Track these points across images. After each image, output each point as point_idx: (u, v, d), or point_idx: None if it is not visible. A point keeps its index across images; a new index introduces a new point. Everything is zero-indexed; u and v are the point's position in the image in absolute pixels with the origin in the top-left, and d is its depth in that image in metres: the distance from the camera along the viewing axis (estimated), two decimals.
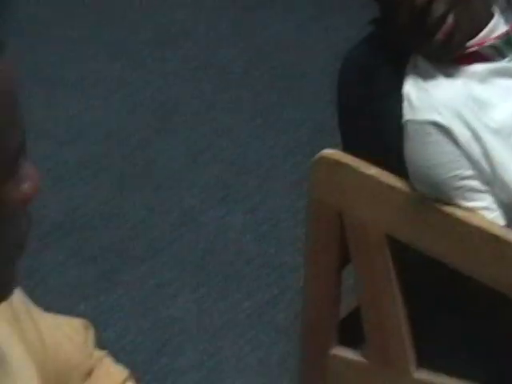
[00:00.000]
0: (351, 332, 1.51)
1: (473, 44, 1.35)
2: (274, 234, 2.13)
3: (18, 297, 0.85)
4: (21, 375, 0.77)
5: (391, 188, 1.37)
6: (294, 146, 2.41)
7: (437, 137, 1.30)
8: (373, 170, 1.38)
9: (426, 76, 1.34)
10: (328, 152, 1.43)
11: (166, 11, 3.07)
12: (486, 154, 1.30)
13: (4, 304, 0.79)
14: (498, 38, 1.35)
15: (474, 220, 1.30)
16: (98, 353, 0.95)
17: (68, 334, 0.92)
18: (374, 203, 1.39)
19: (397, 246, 1.40)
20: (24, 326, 0.83)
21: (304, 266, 1.50)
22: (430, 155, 1.31)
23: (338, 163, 1.41)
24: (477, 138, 1.30)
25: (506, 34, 1.36)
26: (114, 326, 1.86)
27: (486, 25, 1.36)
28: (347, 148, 1.44)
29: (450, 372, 1.42)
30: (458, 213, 1.31)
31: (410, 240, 1.37)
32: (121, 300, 1.94)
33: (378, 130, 1.39)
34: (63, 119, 2.52)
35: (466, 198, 1.31)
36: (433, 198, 1.33)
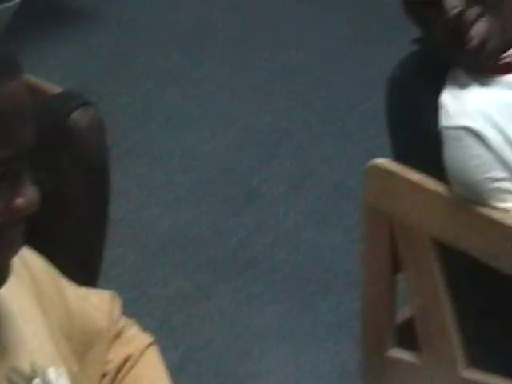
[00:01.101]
0: (412, 335, 1.58)
1: (507, 55, 1.41)
2: None
3: (43, 269, 1.00)
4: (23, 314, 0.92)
5: (434, 193, 1.45)
6: None
7: (469, 141, 1.37)
8: (417, 177, 1.47)
9: (462, 86, 1.42)
10: (378, 161, 1.53)
11: (283, 52, 3.27)
12: None
13: (27, 274, 0.95)
14: None
15: (508, 220, 1.36)
16: (126, 320, 1.09)
17: (94, 303, 1.06)
18: (419, 207, 1.47)
19: (445, 249, 1.48)
20: (43, 290, 0.97)
21: (362, 270, 1.60)
22: (464, 158, 1.38)
23: (387, 171, 1.51)
24: (509, 142, 1.36)
25: None
26: (202, 334, 2.01)
27: None
28: (397, 157, 1.54)
29: (500, 371, 1.46)
30: (494, 213, 1.37)
31: (453, 242, 1.44)
32: (211, 311, 2.09)
33: (423, 138, 1.48)
34: (178, 151, 2.74)
35: (500, 200, 1.37)
36: (471, 201, 1.40)
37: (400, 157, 1.54)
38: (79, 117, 1.33)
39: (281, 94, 3.01)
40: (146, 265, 2.27)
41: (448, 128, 1.40)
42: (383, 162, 1.52)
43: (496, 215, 1.37)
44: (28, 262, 0.98)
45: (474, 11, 1.37)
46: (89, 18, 3.48)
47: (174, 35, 3.38)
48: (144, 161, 2.70)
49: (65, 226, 1.36)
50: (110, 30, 3.41)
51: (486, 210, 1.38)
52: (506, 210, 1.37)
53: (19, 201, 0.79)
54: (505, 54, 1.41)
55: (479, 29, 1.38)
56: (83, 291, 1.08)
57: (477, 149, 1.37)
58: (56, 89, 1.41)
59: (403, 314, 1.61)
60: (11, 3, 1.16)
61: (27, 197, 0.80)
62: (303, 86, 3.05)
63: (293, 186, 2.55)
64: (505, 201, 1.37)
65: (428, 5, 1.40)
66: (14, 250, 0.85)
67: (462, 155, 1.39)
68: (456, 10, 1.36)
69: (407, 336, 1.58)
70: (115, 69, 3.18)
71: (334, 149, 2.70)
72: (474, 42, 1.38)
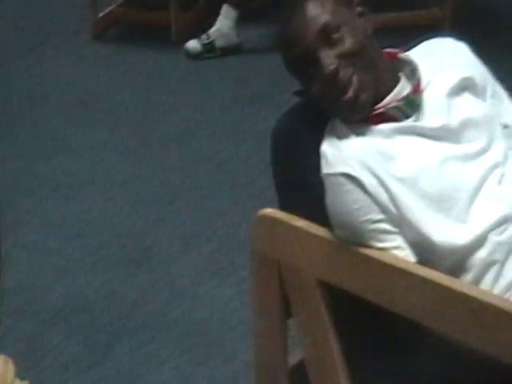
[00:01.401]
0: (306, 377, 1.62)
1: (379, 106, 1.51)
2: None
3: None
4: None
5: (318, 237, 1.51)
6: None
7: (349, 186, 1.45)
8: (302, 223, 1.53)
9: (339, 135, 1.51)
10: (265, 210, 1.58)
11: (174, 112, 3.33)
12: (393, 199, 1.44)
13: None
14: (401, 100, 1.51)
15: (386, 258, 1.42)
16: (19, 382, 1.10)
17: None
18: (305, 251, 1.53)
19: (332, 291, 1.53)
20: None
21: (253, 317, 1.63)
22: (345, 203, 1.45)
23: (273, 219, 1.56)
24: (383, 185, 1.44)
25: (407, 96, 1.51)
26: None
27: (392, 89, 1.52)
28: (283, 204, 1.60)
29: None
30: (373, 253, 1.44)
31: (337, 282, 1.50)
32: (109, 372, 2.08)
33: (307, 185, 1.55)
34: (70, 216, 2.73)
35: (379, 240, 1.44)
36: (352, 243, 1.46)
37: (286, 205, 1.59)
38: None
39: (173, 152, 3.07)
40: (39, 333, 2.23)
41: (328, 175, 1.47)
42: (270, 211, 1.58)
43: (374, 254, 1.43)
44: None
45: (348, 67, 1.47)
46: None
47: (59, 103, 3.42)
48: (34, 228, 2.68)
49: None
50: None
51: (365, 251, 1.45)
52: (383, 249, 1.44)
53: None
54: (377, 106, 1.51)
55: (353, 83, 1.47)
56: None
57: (355, 193, 1.44)
58: None
59: (295, 356, 1.66)
60: None
61: None
62: (194, 144, 3.11)
63: (187, 243, 2.58)
64: (383, 241, 1.44)
65: (306, 63, 1.49)
66: None
67: (342, 199, 1.45)
68: (331, 67, 1.47)
69: (301, 378, 1.62)
70: (0, 137, 3.17)
71: (226, 203, 2.76)
72: (349, 95, 1.48)
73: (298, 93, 1.60)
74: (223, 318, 2.26)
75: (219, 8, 3.80)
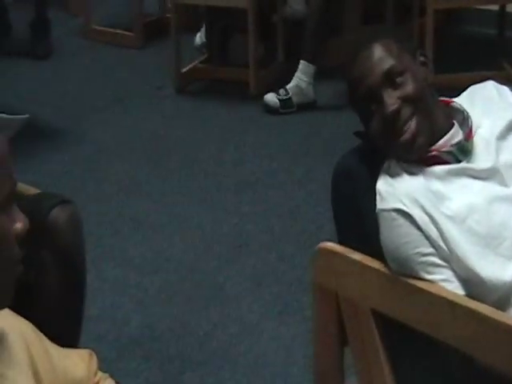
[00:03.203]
0: None
1: (434, 149, 1.65)
2: None
3: (30, 330, 1.17)
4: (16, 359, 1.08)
5: (372, 269, 1.64)
6: None
7: (401, 221, 1.58)
8: (358, 256, 1.67)
9: (394, 174, 1.65)
10: (324, 244, 1.73)
11: (249, 162, 3.53)
12: (443, 236, 1.56)
13: (17, 330, 1.11)
14: (454, 145, 1.65)
15: (434, 290, 1.55)
16: (103, 374, 1.26)
17: (75, 360, 1.23)
18: (360, 282, 1.66)
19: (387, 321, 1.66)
20: (32, 347, 1.14)
21: (312, 344, 1.77)
22: (397, 236, 1.59)
23: (331, 252, 1.71)
24: (434, 222, 1.57)
25: (459, 142, 1.65)
26: None
27: (446, 133, 1.67)
28: (341, 239, 1.74)
29: None
30: (423, 285, 1.56)
31: (391, 312, 1.62)
32: None
33: (363, 221, 1.69)
34: (150, 254, 2.93)
35: (428, 272, 1.57)
36: (404, 275, 1.59)
37: (344, 239, 1.74)
38: (58, 213, 1.48)
39: (246, 198, 3.25)
40: (117, 357, 2.41)
41: (382, 210, 1.61)
42: (328, 244, 1.72)
43: (423, 285, 1.56)
44: (18, 324, 1.16)
45: (408, 110, 1.62)
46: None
47: (143, 151, 3.66)
48: (117, 263, 2.88)
49: (44, 315, 1.50)
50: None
51: (415, 282, 1.57)
52: (432, 282, 1.57)
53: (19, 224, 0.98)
54: (431, 148, 1.65)
55: (411, 126, 1.62)
56: (65, 350, 1.25)
57: (406, 227, 1.58)
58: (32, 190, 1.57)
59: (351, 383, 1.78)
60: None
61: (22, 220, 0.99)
62: (267, 191, 3.29)
63: (256, 282, 2.74)
64: (432, 273, 1.57)
65: (370, 100, 1.64)
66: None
67: (394, 233, 1.59)
68: (393, 107, 1.61)
69: None
70: (90, 181, 3.41)
71: (295, 247, 2.91)
72: (406, 137, 1.62)
73: (357, 133, 1.75)
74: (288, 353, 2.40)
75: (297, 64, 4.00)
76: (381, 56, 1.65)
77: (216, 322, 2.56)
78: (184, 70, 4.25)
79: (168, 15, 4.26)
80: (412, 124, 1.63)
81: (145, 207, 3.23)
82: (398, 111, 1.62)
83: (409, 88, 1.63)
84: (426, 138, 1.64)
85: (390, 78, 1.64)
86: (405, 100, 1.62)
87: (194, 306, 2.64)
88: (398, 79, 1.64)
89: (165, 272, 2.82)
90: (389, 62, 1.64)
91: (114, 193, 3.34)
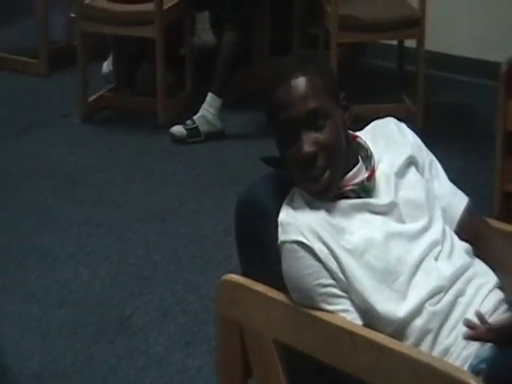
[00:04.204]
0: None
1: (338, 186, 1.68)
2: None
3: None
4: None
5: (275, 300, 1.67)
6: None
7: (302, 253, 1.61)
8: (261, 287, 1.69)
9: (296, 207, 1.68)
10: (228, 276, 1.75)
11: (157, 191, 3.52)
12: (342, 268, 1.60)
13: None
14: (357, 184, 1.68)
15: (334, 320, 1.58)
16: None
17: None
18: (263, 314, 1.68)
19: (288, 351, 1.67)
20: None
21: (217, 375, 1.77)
22: (298, 268, 1.62)
23: (236, 284, 1.73)
24: (333, 254, 1.61)
25: (362, 182, 1.68)
26: None
27: (351, 169, 1.69)
28: (245, 270, 1.76)
29: None
30: (323, 315, 1.59)
31: (293, 342, 1.65)
32: None
33: (266, 252, 1.71)
34: (54, 286, 2.87)
35: (329, 303, 1.61)
36: (305, 306, 1.62)
37: (247, 271, 1.75)
38: None
39: (154, 229, 3.23)
40: None
41: (284, 242, 1.64)
42: (232, 276, 1.74)
43: (324, 316, 1.59)
44: None
45: (323, 159, 1.62)
46: None
47: (48, 181, 3.60)
48: (18, 297, 2.82)
49: None
50: None
51: (316, 313, 1.60)
52: (333, 312, 1.60)
53: None
54: None
55: (325, 178, 1.63)
56: None
57: (307, 259, 1.61)
58: None
59: None
60: None
61: None
62: (175, 221, 3.28)
63: (163, 313, 2.71)
64: (332, 304, 1.60)
65: (289, 131, 1.63)
66: None
67: (296, 265, 1.62)
68: (310, 150, 1.61)
69: None
70: None
71: (203, 278, 2.90)
72: (318, 188, 1.63)
73: (265, 159, 1.77)
74: None
75: (204, 95, 4.03)
76: (307, 93, 1.63)
77: (122, 354, 2.52)
78: (91, 98, 4.22)
79: (75, 42, 4.22)
80: (326, 176, 1.63)
81: (50, 238, 3.17)
82: (314, 155, 1.62)
83: (328, 137, 1.63)
84: (337, 185, 1.67)
85: (312, 119, 1.63)
86: (321, 147, 1.63)
87: (99, 340, 2.60)
88: (319, 122, 1.63)
89: (69, 305, 2.77)
90: (314, 103, 1.62)
91: (19, 222, 3.27)
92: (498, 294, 1.65)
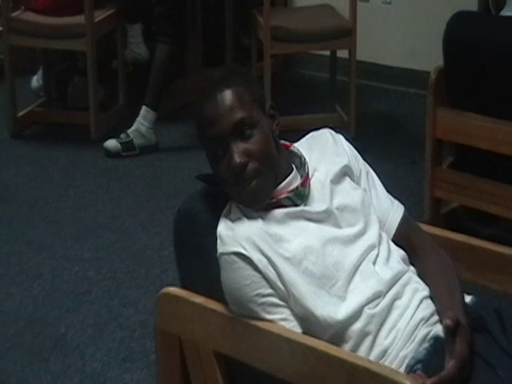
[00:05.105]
0: None
1: (273, 195, 1.67)
2: None
3: None
4: None
5: (214, 311, 1.64)
6: None
7: (240, 264, 1.59)
8: (200, 299, 1.67)
9: (234, 218, 1.66)
10: (167, 289, 1.72)
11: (91, 206, 3.46)
12: (280, 277, 1.59)
13: None
14: (291, 191, 1.67)
15: (274, 329, 1.56)
16: None
17: None
18: (203, 325, 1.66)
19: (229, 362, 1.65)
20: None
21: None
22: (237, 278, 1.60)
23: (175, 297, 1.70)
24: (272, 263, 1.60)
25: (297, 188, 1.67)
26: None
27: (285, 178, 1.69)
28: (184, 283, 1.73)
29: None
30: (263, 325, 1.57)
31: (232, 353, 1.62)
32: None
33: (204, 264, 1.69)
34: None
35: (268, 312, 1.59)
36: (245, 316, 1.60)
37: (187, 283, 1.72)
38: None
39: (89, 244, 3.18)
40: None
41: (222, 254, 1.62)
42: (171, 289, 1.72)
43: (263, 325, 1.57)
44: None
45: (253, 167, 1.62)
46: None
47: None
48: None
49: None
50: None
51: (255, 323, 1.58)
52: (272, 321, 1.58)
53: None
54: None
55: (254, 185, 1.62)
56: None
57: (246, 270, 1.59)
58: None
59: None
60: None
61: None
62: (110, 236, 3.23)
63: (100, 329, 2.66)
64: (272, 313, 1.59)
65: (217, 145, 1.63)
66: None
67: (234, 276, 1.60)
68: (239, 161, 1.60)
69: None
70: None
71: (139, 292, 2.86)
72: (248, 195, 1.63)
73: (200, 177, 1.76)
74: None
75: (138, 108, 3.99)
76: (233, 104, 1.63)
77: (57, 373, 2.45)
78: (20, 113, 4.13)
79: (2, 56, 4.13)
80: (253, 185, 1.63)
81: None
82: (243, 166, 1.62)
83: (256, 145, 1.63)
84: (268, 193, 1.66)
85: (240, 130, 1.63)
86: (251, 156, 1.62)
87: (33, 359, 2.52)
88: (247, 132, 1.63)
89: (1, 325, 2.69)
90: (240, 113, 1.62)
91: None
92: (431, 304, 1.66)
